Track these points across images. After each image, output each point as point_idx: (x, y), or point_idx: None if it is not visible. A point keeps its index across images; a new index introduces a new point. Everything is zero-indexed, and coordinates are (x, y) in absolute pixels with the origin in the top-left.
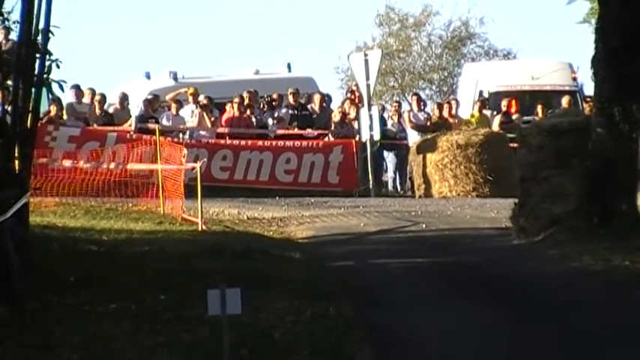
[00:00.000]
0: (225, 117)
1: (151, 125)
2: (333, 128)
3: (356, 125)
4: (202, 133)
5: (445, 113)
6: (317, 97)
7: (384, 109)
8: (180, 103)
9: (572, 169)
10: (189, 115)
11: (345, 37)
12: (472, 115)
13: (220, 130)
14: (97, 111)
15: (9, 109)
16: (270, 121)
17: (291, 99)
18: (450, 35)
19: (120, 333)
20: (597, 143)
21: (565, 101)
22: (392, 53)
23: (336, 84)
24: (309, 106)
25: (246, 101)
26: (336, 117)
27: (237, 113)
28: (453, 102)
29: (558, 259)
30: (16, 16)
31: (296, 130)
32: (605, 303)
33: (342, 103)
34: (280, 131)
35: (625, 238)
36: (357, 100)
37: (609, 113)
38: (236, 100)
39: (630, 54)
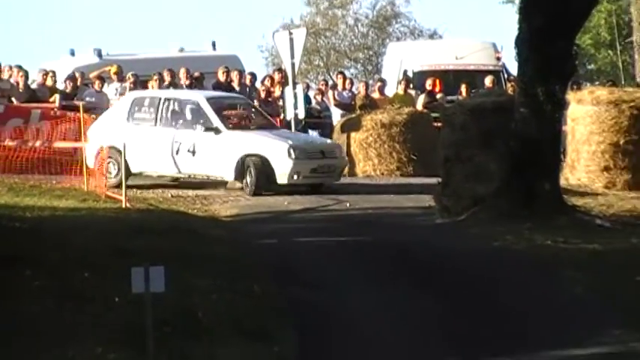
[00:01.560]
0: None
1: (76, 102)
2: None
3: (280, 103)
4: None
5: (374, 92)
6: (235, 74)
7: (308, 87)
8: (103, 81)
9: (496, 149)
10: (114, 92)
11: (271, 15)
12: (396, 95)
13: None
14: (21, 88)
15: None
16: None
17: (222, 77)
18: (376, 14)
19: (43, 311)
20: (520, 123)
21: (489, 81)
22: (318, 32)
23: (261, 62)
24: (234, 84)
25: (168, 79)
26: (260, 95)
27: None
28: (380, 82)
29: (481, 239)
30: None
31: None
32: (528, 282)
33: (262, 81)
34: None
35: (547, 218)
36: (282, 79)
37: (533, 93)
38: (155, 77)
39: (553, 34)
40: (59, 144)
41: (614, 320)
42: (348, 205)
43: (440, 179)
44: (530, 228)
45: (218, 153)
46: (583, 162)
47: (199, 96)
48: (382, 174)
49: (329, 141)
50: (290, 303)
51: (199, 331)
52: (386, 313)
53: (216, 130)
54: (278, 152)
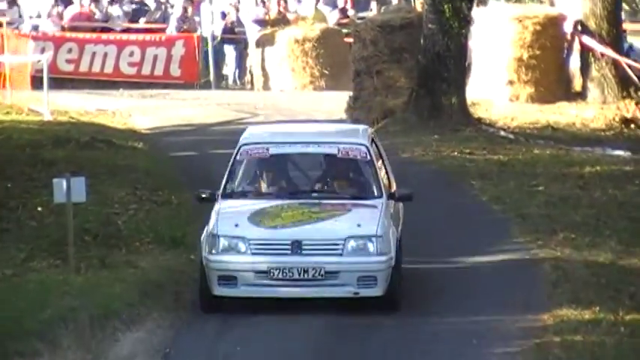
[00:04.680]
0: (69, 12)
1: None
2: (175, 23)
3: (197, 19)
4: (49, 25)
5: (286, 9)
6: None
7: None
8: None
9: (405, 64)
10: (36, 7)
11: None
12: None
13: (66, 23)
14: None
15: None
16: (116, 14)
17: None
18: None
19: None
20: (428, 39)
21: None
22: None
23: None
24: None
25: None
26: (177, 11)
27: (78, 7)
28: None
29: (391, 150)
30: None
31: (141, 24)
32: (436, 192)
33: None
34: (125, 25)
35: (454, 130)
36: None
37: (440, 10)
38: None
39: None
40: None
41: (517, 228)
42: (262, 118)
43: (351, 93)
44: (437, 140)
45: None
46: (488, 76)
47: None
48: (295, 88)
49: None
50: (207, 211)
51: (119, 240)
52: None
53: None
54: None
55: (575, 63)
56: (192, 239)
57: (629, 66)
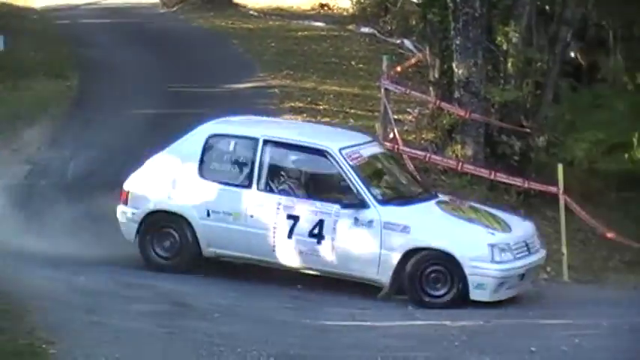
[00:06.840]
0: None
1: None
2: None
3: None
4: None
5: None
6: None
7: None
8: None
9: None
10: None
11: None
12: None
13: None
14: None
15: None
16: None
17: None
18: None
19: None
20: None
21: None
22: None
23: None
24: None
25: None
26: None
27: None
28: None
29: (185, 21)
30: None
31: None
32: (212, 46)
33: None
34: None
35: (222, 11)
36: None
37: None
38: None
39: None
40: None
41: (259, 67)
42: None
43: None
44: (212, 16)
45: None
46: None
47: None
48: None
49: (516, 219)
50: (78, 57)
51: (24, 72)
52: (132, 62)
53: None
54: (472, 248)
55: None
56: (69, 73)
57: None
